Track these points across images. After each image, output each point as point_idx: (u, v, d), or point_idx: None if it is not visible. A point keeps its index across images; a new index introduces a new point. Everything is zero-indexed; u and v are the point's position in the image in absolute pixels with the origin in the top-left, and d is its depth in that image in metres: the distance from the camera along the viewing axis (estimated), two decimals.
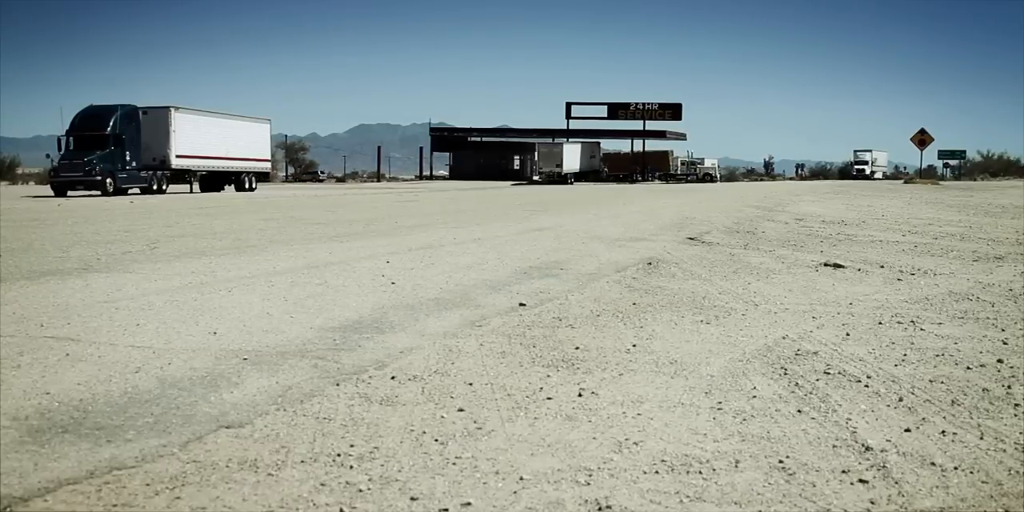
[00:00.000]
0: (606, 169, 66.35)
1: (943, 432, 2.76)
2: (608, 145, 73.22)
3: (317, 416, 2.81)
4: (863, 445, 2.61)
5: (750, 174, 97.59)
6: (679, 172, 72.92)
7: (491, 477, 2.31)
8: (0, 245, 8.14)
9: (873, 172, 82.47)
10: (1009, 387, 3.33)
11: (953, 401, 3.12)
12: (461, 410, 2.90)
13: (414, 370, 3.42)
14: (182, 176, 33.83)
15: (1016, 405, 3.08)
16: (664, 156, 74.00)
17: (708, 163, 76.37)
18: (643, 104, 69.44)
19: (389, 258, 7.06)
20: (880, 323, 4.62)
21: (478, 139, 78.71)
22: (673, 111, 69.54)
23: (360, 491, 2.21)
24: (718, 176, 73.80)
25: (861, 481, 2.33)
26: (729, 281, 6.15)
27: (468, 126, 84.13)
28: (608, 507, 2.14)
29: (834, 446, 2.60)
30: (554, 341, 4.02)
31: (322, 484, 2.25)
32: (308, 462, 2.40)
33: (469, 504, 2.14)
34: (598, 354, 3.78)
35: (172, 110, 33.38)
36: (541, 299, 5.18)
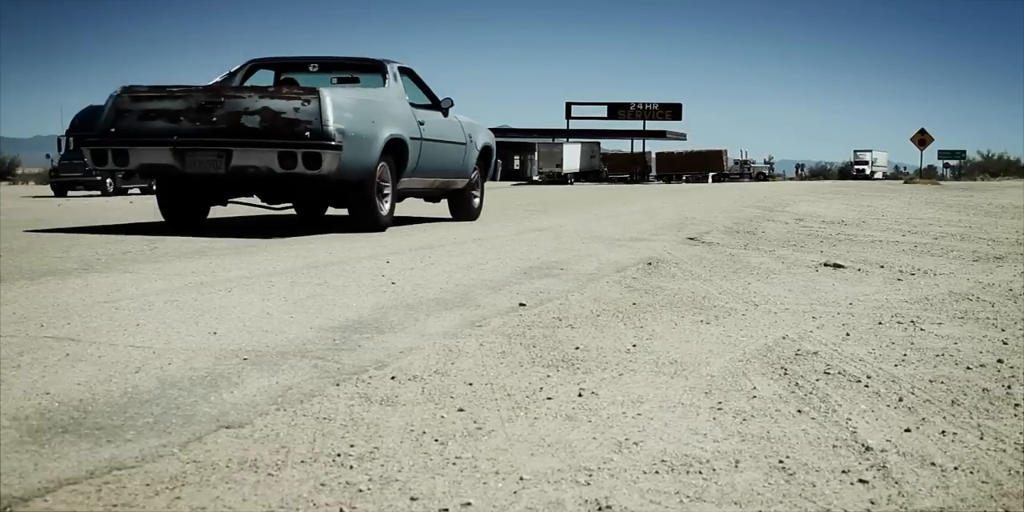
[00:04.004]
0: (654, 168, 66.52)
1: (943, 432, 2.76)
2: (608, 145, 73.32)
3: (317, 416, 2.81)
4: (863, 445, 2.61)
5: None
6: (732, 171, 72.70)
7: (491, 477, 2.31)
8: (0, 245, 8.14)
9: (873, 172, 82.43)
10: (1009, 387, 3.33)
11: (953, 401, 3.12)
12: (461, 410, 2.90)
13: (414, 370, 3.42)
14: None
15: (1016, 405, 3.08)
16: (718, 155, 73.93)
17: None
18: (643, 104, 69.39)
19: (389, 258, 7.06)
20: (880, 323, 4.62)
21: None
22: (673, 111, 69.51)
23: (360, 491, 2.21)
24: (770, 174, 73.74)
25: (861, 481, 2.33)
26: (729, 281, 6.15)
27: None
28: (608, 507, 2.14)
29: (834, 446, 2.61)
30: (554, 341, 4.02)
31: (322, 484, 2.25)
32: (308, 462, 2.40)
33: (469, 504, 2.14)
34: (598, 354, 3.78)
35: None
36: (541, 299, 5.18)
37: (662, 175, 66.19)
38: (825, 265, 7.13)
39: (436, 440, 2.60)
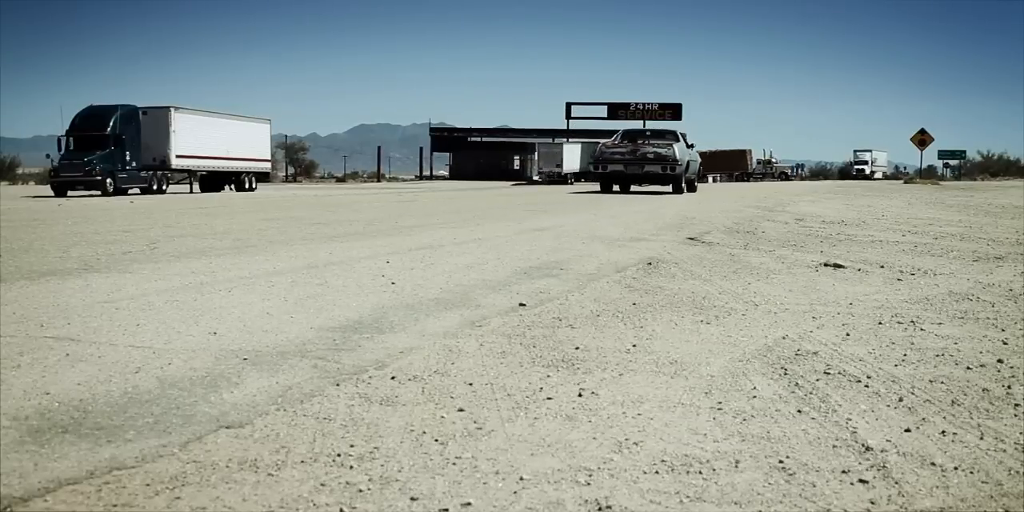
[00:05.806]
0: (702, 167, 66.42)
1: (943, 432, 2.76)
2: None
3: (317, 416, 2.81)
4: (863, 445, 2.61)
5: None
6: (756, 171, 71.86)
7: (491, 477, 2.31)
8: (0, 245, 8.14)
9: (873, 172, 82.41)
10: (1009, 387, 3.32)
11: (953, 401, 3.12)
12: (461, 410, 2.90)
13: (414, 370, 3.42)
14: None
15: (1016, 405, 3.08)
16: (742, 155, 73.26)
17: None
18: (643, 104, 69.41)
19: (389, 258, 7.06)
20: (880, 323, 4.62)
21: (478, 139, 78.72)
22: (673, 111, 69.50)
23: (360, 491, 2.21)
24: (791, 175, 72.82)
25: (861, 481, 2.33)
26: (729, 281, 6.15)
27: (468, 126, 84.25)
28: (608, 507, 2.14)
29: (834, 446, 2.61)
30: (554, 341, 4.02)
31: (322, 484, 2.25)
32: (308, 462, 2.40)
33: (469, 504, 2.14)
34: (598, 354, 3.78)
35: (172, 110, 33.37)
36: (541, 299, 5.18)
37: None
38: (825, 265, 7.13)
39: (436, 440, 2.60)
